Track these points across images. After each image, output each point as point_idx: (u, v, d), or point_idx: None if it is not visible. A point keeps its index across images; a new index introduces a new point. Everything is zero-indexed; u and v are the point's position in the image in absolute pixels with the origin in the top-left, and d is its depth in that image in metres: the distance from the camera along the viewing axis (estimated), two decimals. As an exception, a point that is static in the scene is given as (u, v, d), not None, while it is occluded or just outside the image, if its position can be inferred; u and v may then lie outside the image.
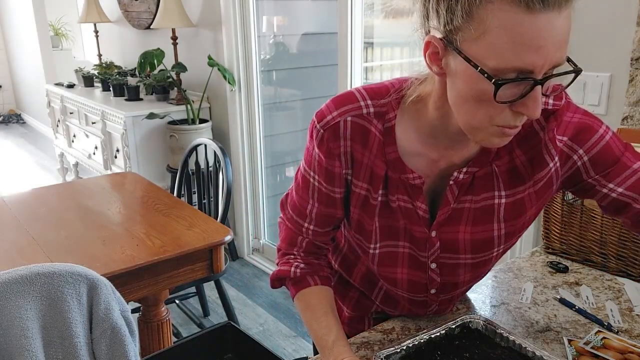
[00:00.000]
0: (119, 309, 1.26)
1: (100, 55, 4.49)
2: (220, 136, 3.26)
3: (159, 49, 3.13)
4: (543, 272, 1.21)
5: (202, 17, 3.19)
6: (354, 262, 1.01)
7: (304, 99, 3.24)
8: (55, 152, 4.76)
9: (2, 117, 7.52)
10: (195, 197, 2.54)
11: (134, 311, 1.88)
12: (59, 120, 4.39)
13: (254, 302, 2.79)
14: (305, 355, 2.26)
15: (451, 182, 0.82)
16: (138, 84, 3.60)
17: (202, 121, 3.19)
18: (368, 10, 2.32)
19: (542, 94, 0.66)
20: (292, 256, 0.95)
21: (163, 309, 1.78)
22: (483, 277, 0.97)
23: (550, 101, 0.80)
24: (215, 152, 2.32)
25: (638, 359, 0.88)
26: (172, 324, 2.12)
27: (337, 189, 0.87)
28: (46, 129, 6.24)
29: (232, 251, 3.28)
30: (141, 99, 3.58)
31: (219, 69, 2.95)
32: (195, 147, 2.45)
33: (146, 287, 1.58)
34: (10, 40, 7.18)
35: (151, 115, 3.06)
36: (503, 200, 0.83)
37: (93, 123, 3.66)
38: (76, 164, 4.43)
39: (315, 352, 1.20)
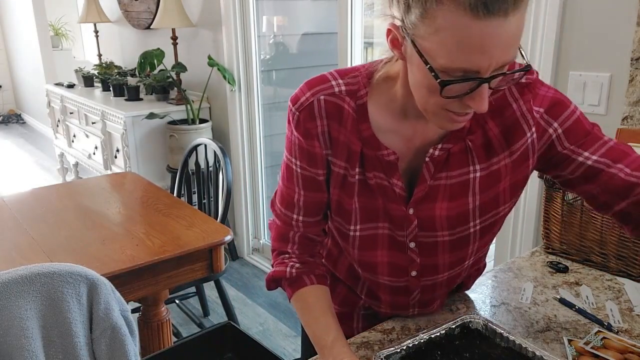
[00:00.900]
0: (119, 308, 1.26)
1: (100, 55, 4.49)
2: (220, 136, 3.26)
3: (159, 49, 3.13)
4: (543, 272, 1.21)
5: (202, 17, 3.19)
6: (338, 256, 1.02)
7: (304, 99, 3.23)
8: (55, 152, 4.77)
9: (2, 117, 7.52)
10: (195, 197, 2.54)
11: (134, 311, 1.88)
12: (59, 120, 4.40)
13: (253, 302, 2.79)
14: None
15: (427, 159, 0.84)
16: (138, 84, 3.60)
17: (202, 121, 3.19)
18: (368, 10, 2.32)
19: (490, 88, 0.70)
20: (287, 255, 0.95)
21: (163, 308, 1.78)
22: (463, 268, 0.95)
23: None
24: (215, 152, 2.32)
25: (638, 359, 0.88)
26: (172, 324, 2.12)
27: (320, 170, 0.88)
28: (46, 129, 6.25)
29: (232, 251, 3.28)
30: (141, 99, 3.58)
31: (218, 69, 2.95)
32: (195, 147, 2.45)
33: (146, 287, 1.58)
34: (10, 40, 7.18)
35: (151, 115, 3.06)
36: (478, 174, 0.85)
37: (93, 123, 3.66)
38: (76, 164, 4.43)
39: (305, 353, 1.20)
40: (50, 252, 1.58)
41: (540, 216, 1.54)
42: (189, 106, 3.11)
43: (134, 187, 2.24)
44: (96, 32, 4.46)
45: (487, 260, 1.11)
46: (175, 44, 3.26)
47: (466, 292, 1.12)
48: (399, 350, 0.83)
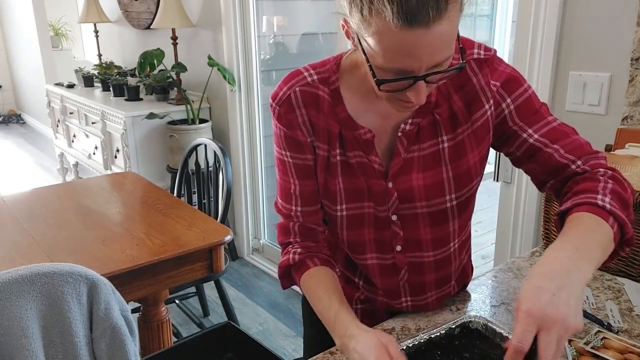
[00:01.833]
0: (119, 308, 1.26)
1: (100, 55, 4.49)
2: (220, 136, 3.26)
3: (158, 49, 3.13)
4: (543, 272, 1.21)
5: (202, 17, 3.19)
6: (335, 248, 1.05)
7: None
8: (55, 152, 4.77)
9: (2, 117, 7.52)
10: (195, 197, 2.54)
11: (134, 311, 1.88)
12: (58, 121, 4.40)
13: (253, 302, 2.80)
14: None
15: (399, 134, 0.90)
16: (138, 84, 3.60)
17: (202, 121, 3.19)
18: (368, 10, 2.32)
19: (429, 83, 0.75)
20: (290, 245, 0.99)
21: (163, 308, 1.78)
22: (449, 252, 0.98)
23: (482, 52, 0.88)
24: (215, 152, 2.32)
25: (638, 359, 0.88)
26: (172, 324, 2.12)
27: (308, 155, 0.94)
28: (46, 129, 6.25)
29: (232, 251, 3.28)
30: (141, 99, 3.58)
31: (218, 69, 2.95)
32: (195, 147, 2.45)
33: (146, 287, 1.59)
34: (10, 40, 7.18)
35: (151, 115, 3.06)
36: (446, 145, 0.90)
37: (93, 123, 3.66)
38: (76, 164, 4.43)
39: (306, 353, 1.20)
40: (51, 252, 1.58)
41: (540, 216, 1.54)
42: (189, 106, 3.12)
43: (134, 187, 2.24)
44: (96, 32, 4.46)
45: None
46: (175, 44, 3.26)
47: (466, 291, 1.12)
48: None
